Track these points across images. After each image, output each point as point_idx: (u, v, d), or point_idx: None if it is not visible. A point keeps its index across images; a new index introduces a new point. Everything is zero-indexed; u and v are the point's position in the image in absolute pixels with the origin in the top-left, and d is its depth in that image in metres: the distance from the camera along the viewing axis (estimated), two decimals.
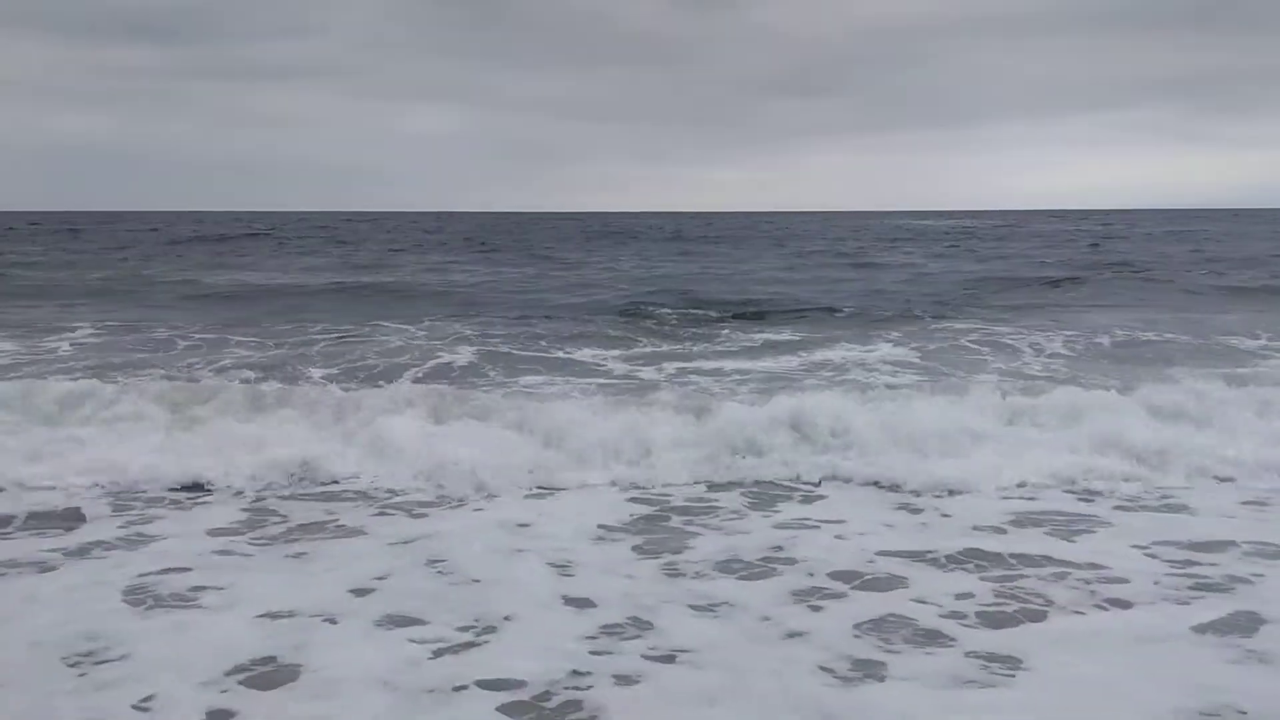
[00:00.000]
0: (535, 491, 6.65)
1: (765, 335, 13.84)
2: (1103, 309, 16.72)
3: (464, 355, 11.57)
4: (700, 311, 16.45)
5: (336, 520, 5.99)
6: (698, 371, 10.85)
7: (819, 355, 12.02)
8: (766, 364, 11.45)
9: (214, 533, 5.72)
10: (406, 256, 32.52)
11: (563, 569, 5.08)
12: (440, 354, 11.62)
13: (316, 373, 10.29)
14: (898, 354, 12.10)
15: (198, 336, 13.43)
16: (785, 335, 13.91)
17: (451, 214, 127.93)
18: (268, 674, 3.81)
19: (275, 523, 5.93)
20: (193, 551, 5.32)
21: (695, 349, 12.63)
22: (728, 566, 5.15)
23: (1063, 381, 9.73)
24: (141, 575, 4.87)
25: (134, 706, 3.49)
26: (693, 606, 4.56)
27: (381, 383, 9.55)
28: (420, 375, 10.45)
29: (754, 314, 15.97)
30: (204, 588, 4.74)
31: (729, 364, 11.36)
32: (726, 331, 14.28)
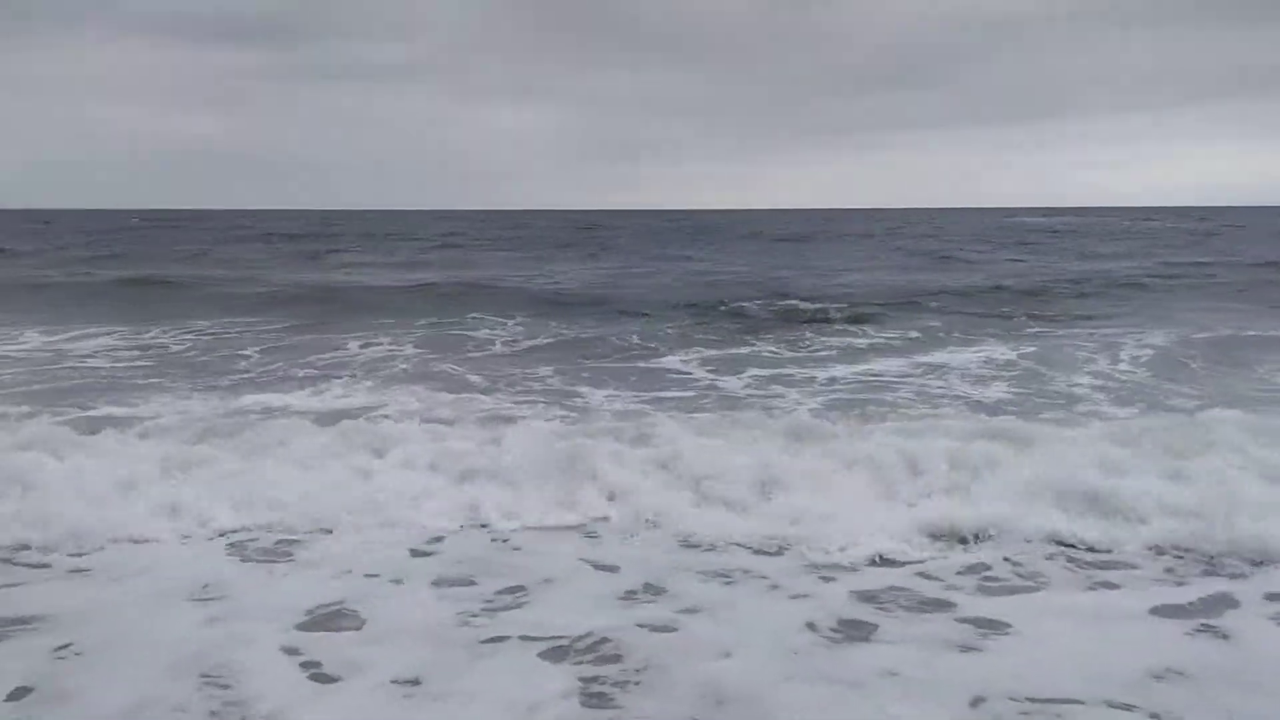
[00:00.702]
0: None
1: (861, 339, 13.67)
2: (1209, 308, 16.30)
3: (548, 366, 11.33)
4: (791, 305, 16.28)
5: None
6: (786, 380, 10.46)
7: (921, 358, 11.83)
8: (868, 367, 11.17)
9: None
10: (499, 254, 33.12)
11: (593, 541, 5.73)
12: (525, 366, 11.39)
13: (405, 395, 9.63)
14: (1000, 355, 11.98)
15: (309, 335, 13.93)
16: (882, 336, 13.80)
17: (543, 211, 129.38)
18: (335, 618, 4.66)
19: None
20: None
21: (786, 353, 12.39)
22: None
23: (1148, 391, 9.49)
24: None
25: (228, 636, 4.42)
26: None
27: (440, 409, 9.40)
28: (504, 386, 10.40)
29: (849, 314, 15.61)
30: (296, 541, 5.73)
31: (823, 371, 11.02)
32: (818, 332, 14.12)
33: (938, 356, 11.93)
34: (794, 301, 16.98)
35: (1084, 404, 9.09)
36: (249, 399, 9.22)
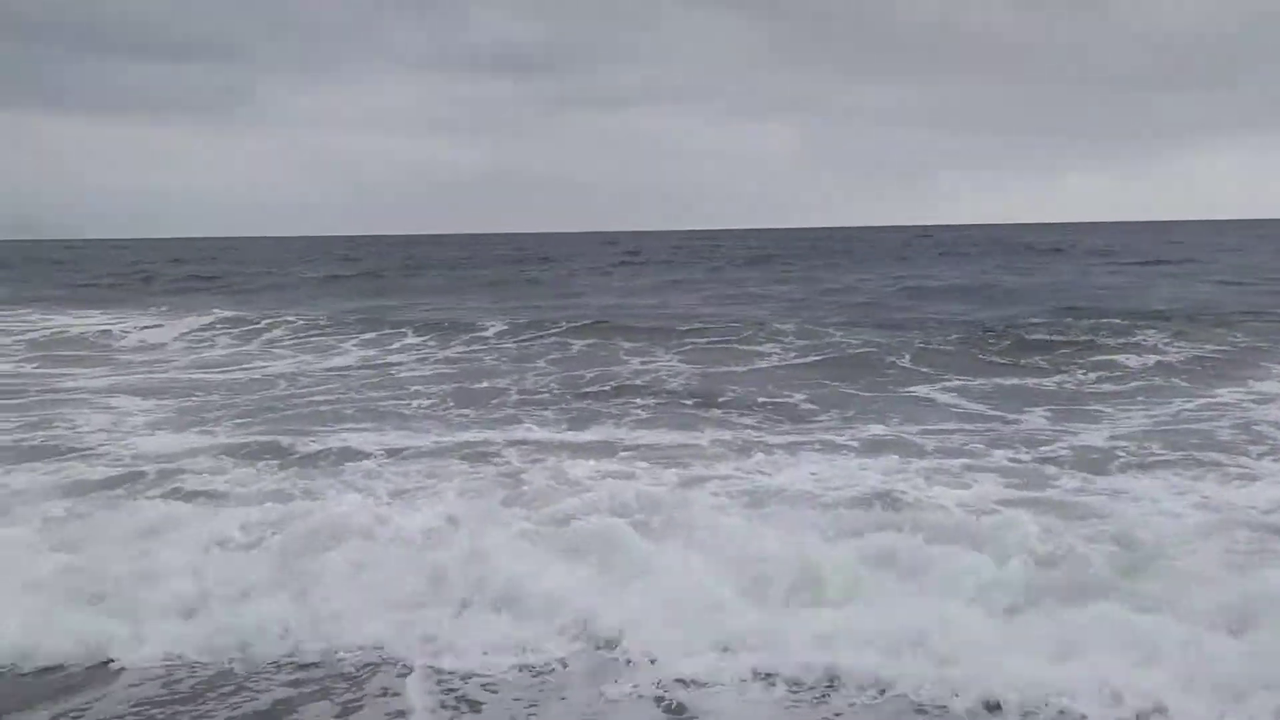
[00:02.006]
0: None
1: (1167, 354, 12.48)
2: None
3: (805, 391, 10.89)
4: (1082, 323, 15.17)
5: None
6: (1088, 416, 9.27)
7: (1238, 391, 10.41)
8: (1208, 400, 9.73)
9: None
10: (759, 271, 33.27)
11: None
12: (787, 392, 10.86)
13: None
14: None
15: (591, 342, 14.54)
16: (1190, 349, 12.60)
17: (798, 230, 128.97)
18: None
19: None
20: None
21: (1089, 386, 11.19)
22: None
23: None
24: None
25: None
26: None
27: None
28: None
29: (1153, 336, 13.87)
30: None
31: (1123, 409, 9.60)
32: (1114, 351, 12.97)
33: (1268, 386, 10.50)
34: (1086, 320, 15.56)
35: None
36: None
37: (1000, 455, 7.77)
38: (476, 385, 11.66)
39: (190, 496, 6.80)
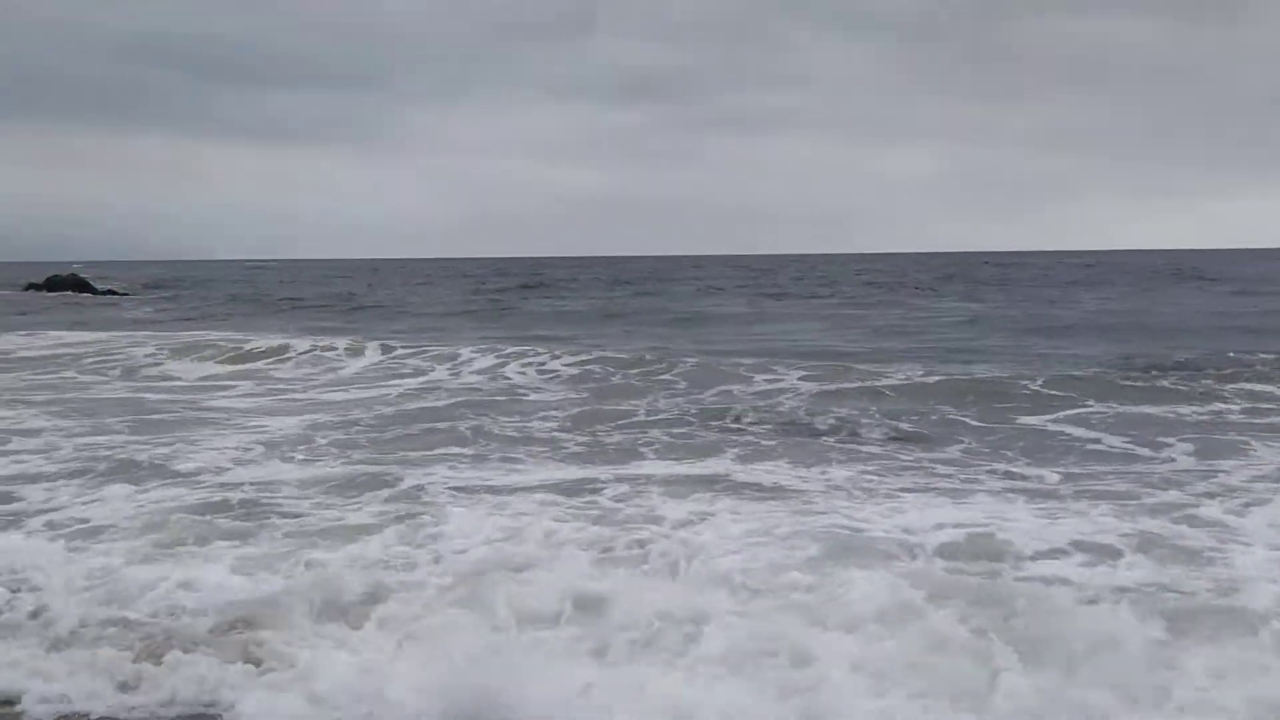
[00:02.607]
0: None
1: None
2: None
3: (931, 419, 10.46)
4: (1244, 355, 14.04)
5: None
6: (1233, 451, 8.59)
7: None
8: None
9: None
10: (891, 295, 32.60)
11: None
12: (912, 420, 10.63)
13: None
14: None
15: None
16: None
17: (939, 254, 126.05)
18: None
19: None
20: None
21: (1227, 418, 10.27)
22: None
23: None
24: None
25: None
26: None
27: None
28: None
29: None
30: None
31: (1270, 445, 8.85)
32: (1272, 382, 11.95)
33: None
34: (1242, 353, 14.21)
35: None
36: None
37: (1132, 494, 7.14)
38: (597, 408, 11.45)
39: (287, 530, 6.54)
